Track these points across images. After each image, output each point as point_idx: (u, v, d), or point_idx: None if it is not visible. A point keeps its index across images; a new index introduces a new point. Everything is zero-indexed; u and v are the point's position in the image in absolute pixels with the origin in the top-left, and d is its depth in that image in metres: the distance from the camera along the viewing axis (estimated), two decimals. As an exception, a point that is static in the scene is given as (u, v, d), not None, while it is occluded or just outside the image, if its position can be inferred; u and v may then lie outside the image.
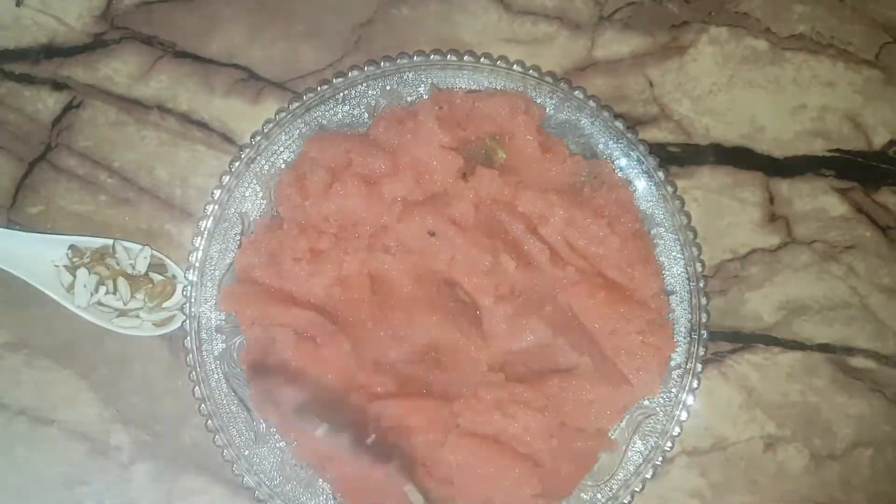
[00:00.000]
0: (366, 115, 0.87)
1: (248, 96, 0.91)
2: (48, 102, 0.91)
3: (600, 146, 0.86)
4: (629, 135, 0.86)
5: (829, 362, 0.91)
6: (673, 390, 0.85)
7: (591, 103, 0.86)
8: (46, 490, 0.89)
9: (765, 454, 0.90)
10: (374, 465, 0.79)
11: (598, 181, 0.85)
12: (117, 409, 0.90)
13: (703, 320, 0.85)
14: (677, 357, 0.85)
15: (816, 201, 0.91)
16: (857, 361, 0.91)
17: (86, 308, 0.86)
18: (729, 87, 0.92)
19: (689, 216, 0.86)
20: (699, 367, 0.85)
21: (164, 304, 0.87)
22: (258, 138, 0.86)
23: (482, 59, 0.86)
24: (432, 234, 0.82)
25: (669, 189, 0.86)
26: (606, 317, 0.82)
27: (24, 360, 0.90)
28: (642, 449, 0.85)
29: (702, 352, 0.85)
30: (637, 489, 0.85)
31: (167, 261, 0.89)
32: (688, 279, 0.86)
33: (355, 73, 0.86)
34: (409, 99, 0.87)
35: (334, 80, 0.86)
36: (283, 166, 0.86)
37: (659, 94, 0.92)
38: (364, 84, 0.86)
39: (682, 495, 0.90)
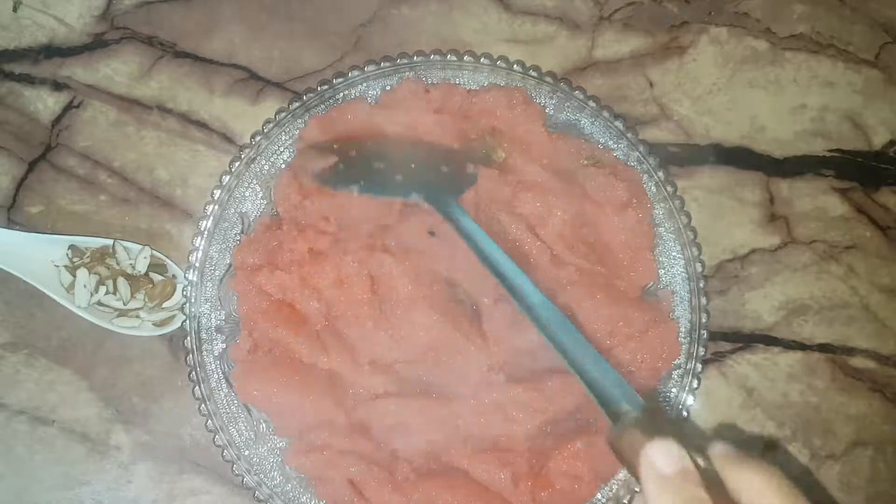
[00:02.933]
0: (366, 115, 0.87)
1: (248, 96, 0.91)
2: (48, 102, 0.91)
3: (600, 146, 0.86)
4: (629, 135, 0.86)
5: (829, 362, 0.91)
6: (673, 390, 0.85)
7: (591, 103, 0.86)
8: (46, 490, 0.89)
9: (765, 454, 0.90)
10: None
11: (600, 164, 0.85)
12: (117, 409, 0.90)
13: (703, 320, 0.85)
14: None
15: (816, 201, 0.91)
16: (857, 361, 0.91)
17: (86, 308, 0.86)
18: (729, 87, 0.92)
19: (689, 216, 0.86)
20: (699, 367, 0.85)
21: (164, 304, 0.87)
22: (258, 138, 0.86)
23: (482, 59, 0.86)
24: (432, 234, 0.82)
25: (669, 189, 0.86)
26: (606, 317, 0.82)
27: (24, 360, 0.90)
28: (642, 449, 0.85)
29: (702, 352, 0.85)
30: (637, 489, 0.85)
31: (167, 261, 0.89)
32: (688, 279, 0.86)
33: (355, 73, 0.86)
34: (409, 99, 0.87)
35: (334, 80, 0.86)
36: (283, 166, 0.86)
37: (659, 94, 0.92)
38: (364, 84, 0.86)
39: (682, 495, 0.90)
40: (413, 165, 0.82)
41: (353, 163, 0.82)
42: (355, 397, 0.83)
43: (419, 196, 0.81)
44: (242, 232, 0.86)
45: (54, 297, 0.86)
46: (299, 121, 0.86)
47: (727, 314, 0.91)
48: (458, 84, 0.86)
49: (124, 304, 0.87)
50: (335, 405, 0.82)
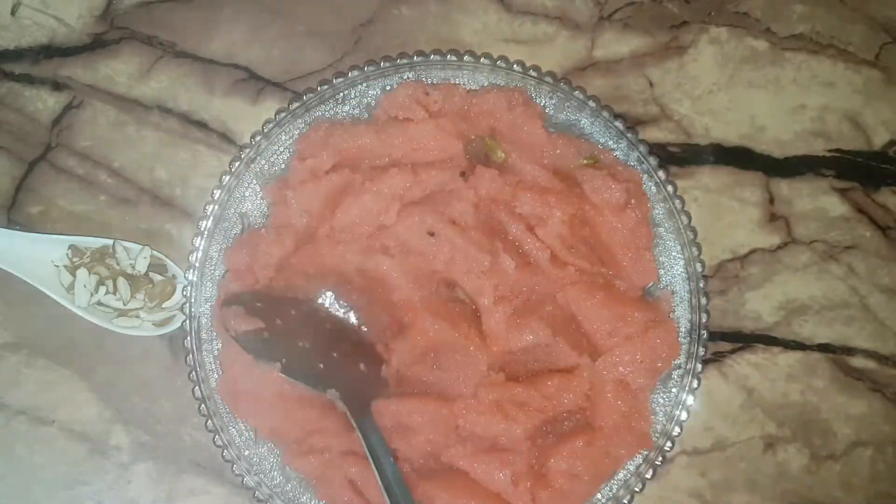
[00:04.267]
0: (366, 115, 0.87)
1: (248, 96, 0.91)
2: (48, 102, 0.91)
3: (600, 146, 0.86)
4: (629, 135, 0.86)
5: (829, 362, 0.91)
6: (673, 390, 0.85)
7: (591, 103, 0.86)
8: (46, 490, 0.89)
9: (765, 454, 0.90)
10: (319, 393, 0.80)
11: (600, 164, 0.85)
12: (117, 409, 0.90)
13: (703, 320, 0.85)
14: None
15: (816, 201, 0.91)
16: (857, 361, 0.91)
17: (86, 308, 0.86)
18: (729, 87, 0.92)
19: (689, 216, 0.86)
20: (699, 367, 0.85)
21: (164, 304, 0.87)
22: (258, 138, 0.86)
23: (482, 59, 0.86)
24: (431, 234, 0.82)
25: (669, 189, 0.86)
26: (606, 317, 0.82)
27: (24, 360, 0.90)
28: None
29: (702, 352, 0.85)
30: (637, 489, 0.85)
31: (167, 261, 0.89)
32: (688, 279, 0.86)
33: (355, 73, 0.86)
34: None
35: (334, 80, 0.86)
36: (283, 166, 0.86)
37: (659, 94, 0.92)
38: (364, 84, 0.86)
39: (682, 495, 0.90)
40: (335, 355, 0.81)
41: (278, 334, 0.80)
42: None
43: (337, 394, 0.80)
44: (242, 232, 0.86)
45: (54, 297, 0.86)
46: (299, 121, 0.86)
47: (727, 314, 0.91)
48: (458, 84, 0.86)
49: (124, 304, 0.87)
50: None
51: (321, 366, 0.80)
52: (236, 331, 0.80)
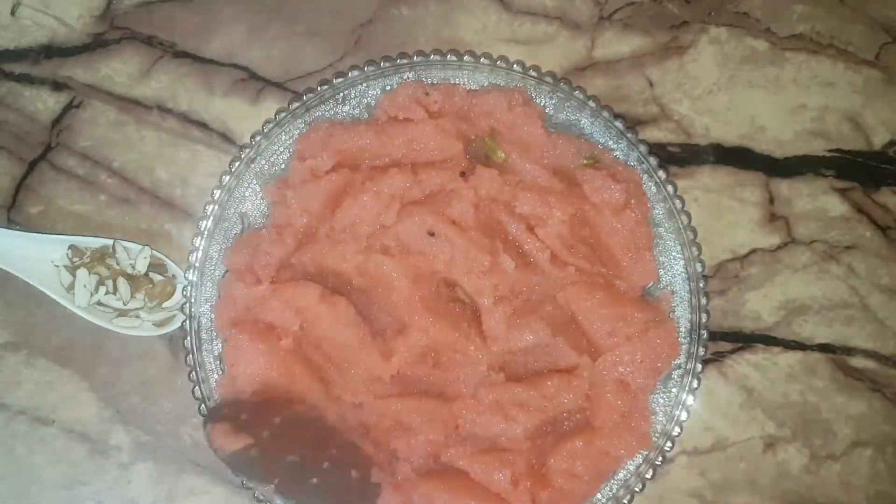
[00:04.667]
0: (366, 115, 0.87)
1: (248, 96, 0.91)
2: (48, 102, 0.91)
3: (600, 146, 0.86)
4: (629, 135, 0.86)
5: (829, 362, 0.91)
6: (673, 390, 0.85)
7: (591, 103, 0.86)
8: (46, 490, 0.89)
9: (765, 454, 0.90)
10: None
11: (599, 164, 0.85)
12: (117, 409, 0.90)
13: (703, 320, 0.85)
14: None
15: (816, 201, 0.91)
16: (857, 361, 0.91)
17: (86, 308, 0.86)
18: (729, 87, 0.92)
19: (689, 216, 0.86)
20: (699, 367, 0.85)
21: (164, 304, 0.87)
22: (258, 138, 0.86)
23: (482, 59, 0.86)
24: (432, 234, 0.82)
25: (669, 189, 0.86)
26: (606, 317, 0.82)
27: (24, 360, 0.90)
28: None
29: (702, 352, 0.85)
30: (637, 489, 0.85)
31: (167, 261, 0.89)
32: (688, 279, 0.86)
33: (355, 73, 0.86)
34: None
35: (334, 80, 0.86)
36: (283, 166, 0.86)
37: (659, 94, 0.92)
38: (364, 84, 0.86)
39: (682, 495, 0.90)
40: (325, 465, 0.79)
41: (267, 450, 0.78)
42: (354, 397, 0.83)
43: None
44: (242, 232, 0.86)
45: (54, 297, 0.86)
46: (299, 121, 0.86)
47: (727, 314, 0.91)
48: (458, 84, 0.86)
49: (124, 304, 0.86)
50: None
51: (314, 480, 0.78)
52: (224, 452, 0.78)
